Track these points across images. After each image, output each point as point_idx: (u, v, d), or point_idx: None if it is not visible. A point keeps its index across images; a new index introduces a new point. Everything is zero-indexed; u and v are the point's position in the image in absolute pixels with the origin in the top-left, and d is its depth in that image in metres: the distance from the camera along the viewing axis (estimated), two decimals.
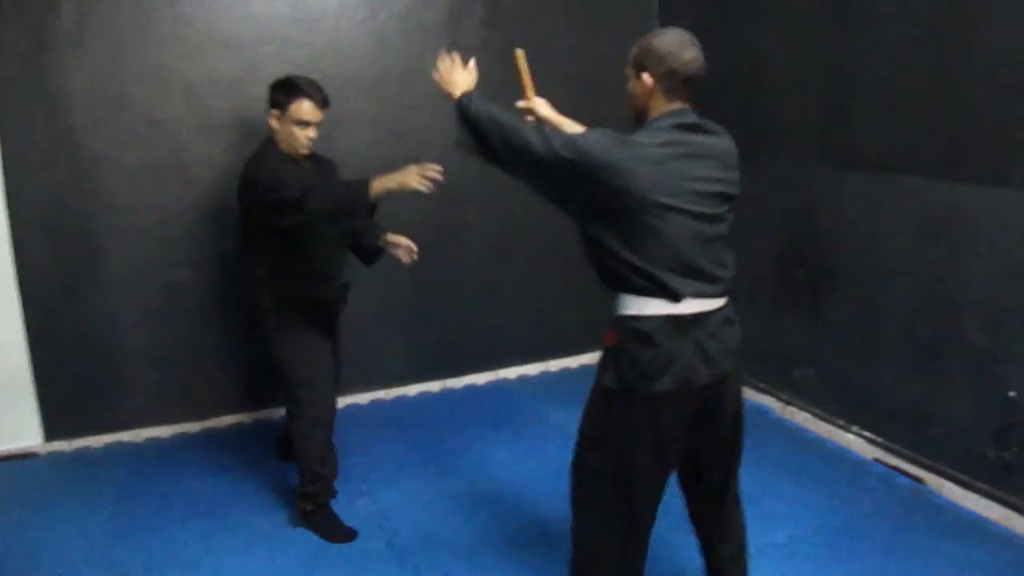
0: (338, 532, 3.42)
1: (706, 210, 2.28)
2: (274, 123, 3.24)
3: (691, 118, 2.35)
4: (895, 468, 3.80)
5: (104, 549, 3.35)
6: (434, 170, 2.83)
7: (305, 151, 3.27)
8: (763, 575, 3.04)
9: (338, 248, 3.48)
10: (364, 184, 2.91)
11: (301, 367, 3.33)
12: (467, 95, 2.51)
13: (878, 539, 3.28)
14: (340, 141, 4.14)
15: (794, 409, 4.39)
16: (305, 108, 3.18)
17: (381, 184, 2.89)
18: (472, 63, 2.70)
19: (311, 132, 3.24)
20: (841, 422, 4.12)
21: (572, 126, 2.81)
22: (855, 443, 4.02)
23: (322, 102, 3.23)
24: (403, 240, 3.60)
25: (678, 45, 2.34)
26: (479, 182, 4.75)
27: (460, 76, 2.61)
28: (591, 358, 5.30)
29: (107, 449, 4.30)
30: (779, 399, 4.50)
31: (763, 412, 4.53)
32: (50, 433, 4.25)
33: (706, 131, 2.37)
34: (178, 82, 4.11)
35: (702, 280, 2.30)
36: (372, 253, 3.61)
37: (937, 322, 3.56)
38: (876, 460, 3.89)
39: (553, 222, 4.87)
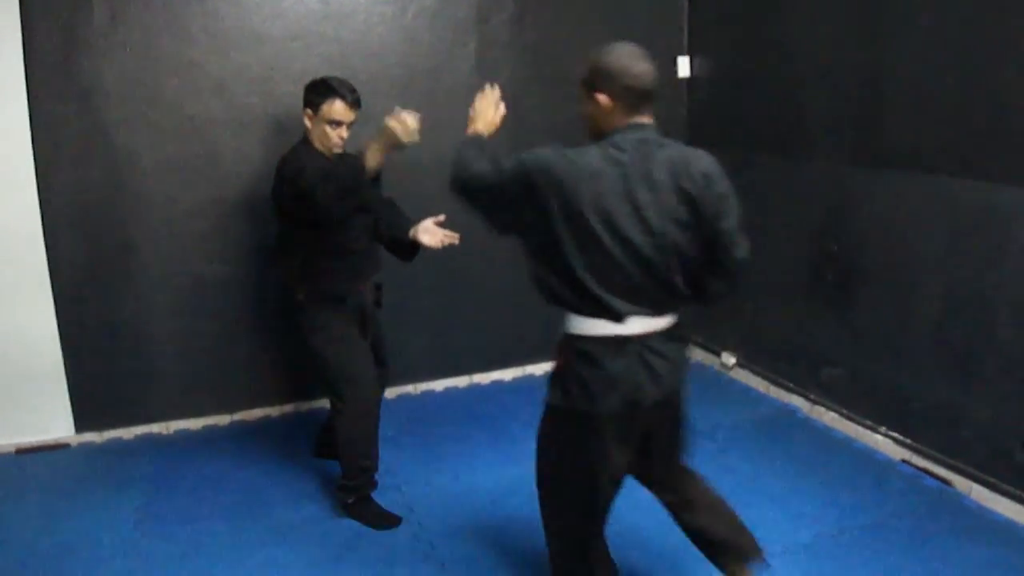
0: (383, 518, 3.49)
1: (653, 234, 2.21)
2: (308, 122, 3.32)
3: (648, 133, 2.29)
4: (923, 469, 3.77)
5: (133, 539, 3.40)
6: (409, 113, 2.88)
7: (338, 150, 3.34)
8: (788, 574, 3.04)
9: (370, 246, 3.52)
10: (359, 156, 2.97)
11: (341, 362, 3.37)
12: (473, 134, 2.58)
13: (904, 540, 3.26)
14: (369, 136, 4.16)
15: (822, 409, 4.37)
16: (337, 108, 3.24)
17: (371, 150, 2.93)
18: (502, 108, 2.71)
19: (343, 131, 3.30)
20: (869, 422, 4.09)
21: None
22: (883, 444, 3.99)
23: (354, 103, 3.29)
24: (428, 223, 3.53)
25: (628, 59, 2.27)
26: None
27: (485, 116, 2.66)
28: None
29: (137, 441, 4.35)
30: (807, 399, 4.48)
31: (791, 411, 4.51)
32: (81, 424, 4.30)
33: (663, 147, 2.28)
34: (209, 78, 4.15)
35: (648, 304, 2.29)
36: (408, 249, 3.60)
37: (968, 323, 3.53)
38: (904, 461, 3.86)
39: None
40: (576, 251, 2.21)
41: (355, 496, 3.50)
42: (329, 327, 3.37)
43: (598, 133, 2.33)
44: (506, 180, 2.28)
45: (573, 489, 2.49)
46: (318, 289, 3.35)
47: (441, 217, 3.51)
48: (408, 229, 3.53)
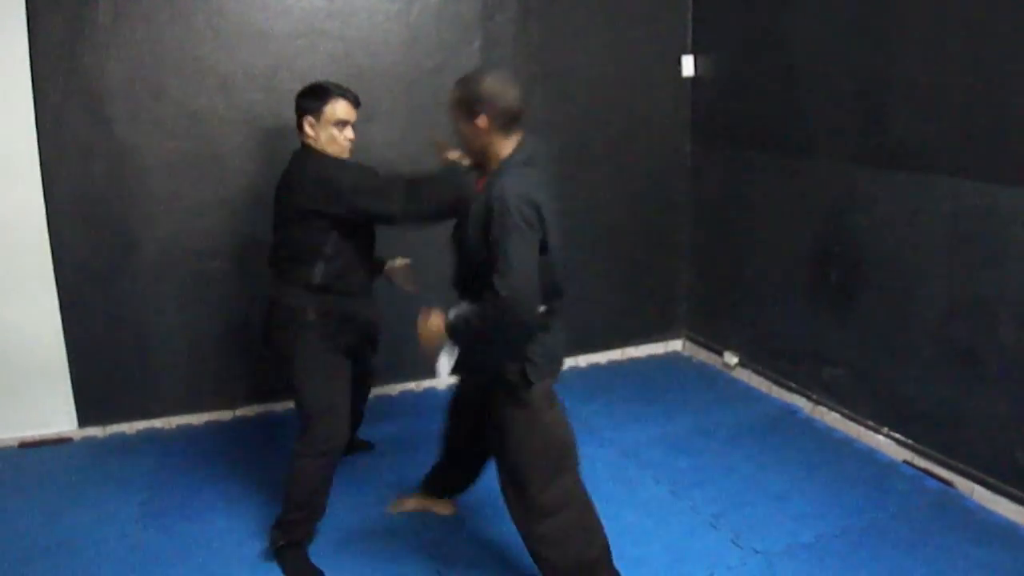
0: None
1: (561, 225, 2.59)
2: (309, 130, 3.15)
3: (530, 147, 2.57)
4: (925, 470, 3.77)
5: (135, 534, 3.40)
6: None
7: (347, 154, 3.20)
8: (790, 574, 3.04)
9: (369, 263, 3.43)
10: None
11: (327, 395, 3.16)
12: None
13: (906, 541, 3.25)
14: (374, 134, 4.17)
15: (824, 409, 4.37)
16: (341, 107, 3.13)
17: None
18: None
19: (350, 132, 3.18)
20: (871, 423, 4.09)
21: None
22: (885, 444, 3.99)
23: (355, 101, 3.20)
24: (402, 262, 3.57)
25: (502, 84, 2.52)
26: None
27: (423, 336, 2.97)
28: (620, 355, 5.29)
29: (139, 436, 4.36)
30: (809, 399, 4.47)
31: (792, 411, 4.50)
32: (84, 419, 4.31)
33: (539, 154, 2.59)
34: (213, 74, 4.15)
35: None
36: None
37: (971, 324, 3.53)
38: (906, 462, 3.86)
39: (582, 220, 4.87)
40: (558, 252, 2.56)
41: (288, 539, 3.13)
42: (327, 356, 3.16)
43: (478, 151, 2.60)
44: (540, 232, 2.44)
45: (560, 452, 2.69)
46: (332, 306, 3.16)
47: (408, 261, 3.60)
48: (382, 259, 3.54)
